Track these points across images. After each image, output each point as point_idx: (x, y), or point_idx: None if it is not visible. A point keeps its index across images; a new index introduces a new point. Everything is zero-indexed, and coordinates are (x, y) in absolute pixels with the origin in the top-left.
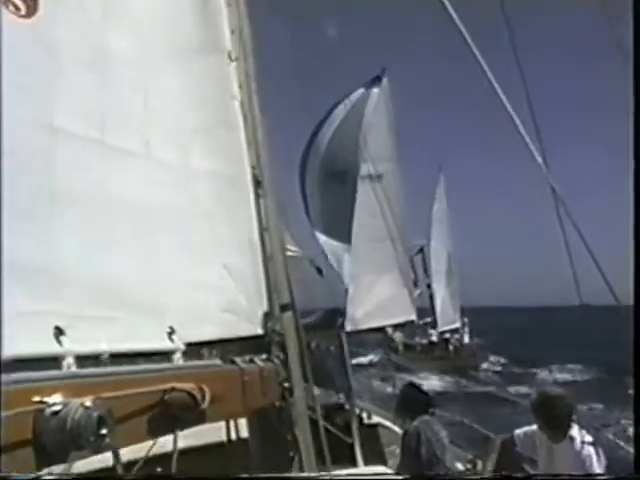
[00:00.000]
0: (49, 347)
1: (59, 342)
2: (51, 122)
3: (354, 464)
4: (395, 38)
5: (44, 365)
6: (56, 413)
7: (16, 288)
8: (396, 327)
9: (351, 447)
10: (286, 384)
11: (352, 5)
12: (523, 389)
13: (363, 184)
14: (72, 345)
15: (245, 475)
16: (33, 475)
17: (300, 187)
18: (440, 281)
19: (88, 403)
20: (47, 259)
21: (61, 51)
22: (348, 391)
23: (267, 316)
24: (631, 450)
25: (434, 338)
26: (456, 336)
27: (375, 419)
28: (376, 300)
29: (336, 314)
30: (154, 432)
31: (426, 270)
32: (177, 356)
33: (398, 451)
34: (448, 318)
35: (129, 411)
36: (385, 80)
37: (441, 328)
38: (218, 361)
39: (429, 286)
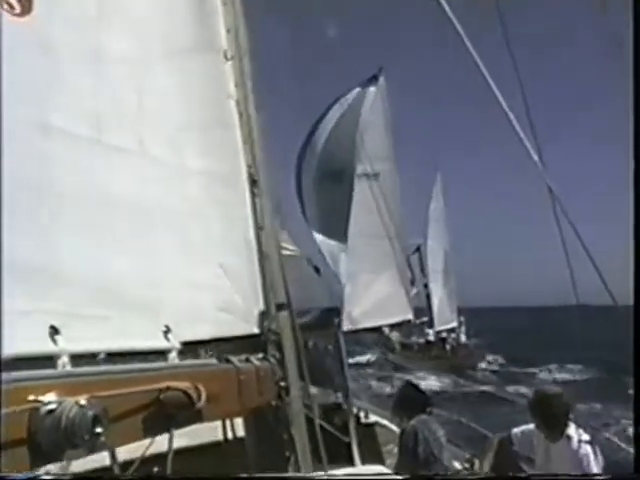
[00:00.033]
0: (44, 346)
1: (54, 341)
2: (46, 121)
3: (352, 463)
4: (392, 37)
5: (39, 364)
6: (51, 412)
7: (13, 288)
8: (393, 326)
9: (349, 446)
10: (282, 383)
11: (348, 4)
12: (522, 389)
13: (360, 183)
14: (67, 344)
15: (243, 475)
16: (31, 475)
17: (296, 186)
18: (437, 280)
19: (83, 402)
20: (42, 258)
21: (56, 50)
22: (345, 390)
23: (263, 315)
24: (631, 450)
25: (431, 337)
26: (453, 335)
27: (372, 418)
28: (373, 299)
29: (333, 313)
30: (149, 431)
31: (423, 269)
32: (173, 355)
33: (395, 450)
34: (445, 318)
35: (124, 410)
36: (382, 79)
37: (438, 327)
38: (214, 360)
39: (426, 285)
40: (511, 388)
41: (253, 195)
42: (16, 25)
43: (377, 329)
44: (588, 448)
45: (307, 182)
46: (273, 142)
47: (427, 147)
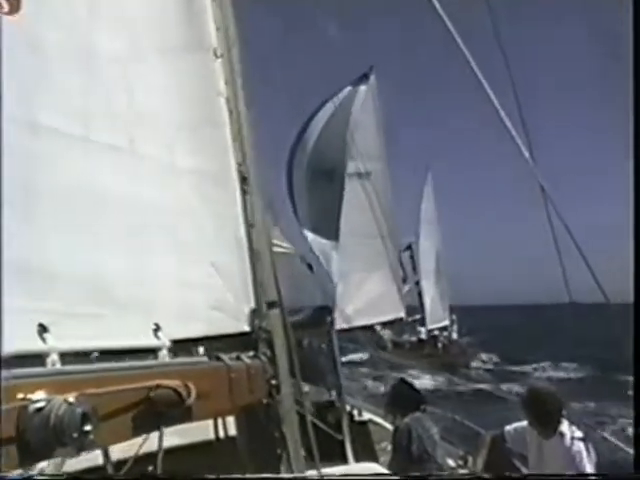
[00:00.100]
0: (34, 344)
1: (43, 339)
2: (36, 120)
3: (345, 461)
4: (383, 36)
5: (28, 362)
6: (40, 410)
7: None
8: (385, 325)
9: (342, 444)
10: (273, 381)
11: (341, 3)
12: (516, 387)
13: (351, 182)
14: (56, 342)
15: (237, 475)
16: (26, 475)
17: (287, 185)
18: (429, 279)
19: (71, 399)
20: (33, 257)
21: (45, 48)
22: (339, 388)
23: (254, 313)
24: (629, 450)
25: (423, 336)
26: (445, 334)
27: (366, 416)
28: (366, 298)
29: (325, 311)
30: (139, 429)
31: (414, 267)
32: (163, 353)
33: (389, 448)
34: (437, 316)
35: (114, 408)
36: (373, 77)
37: (430, 326)
38: (204, 358)
39: (417, 283)
40: (505, 386)
41: (244, 193)
42: (4, 24)
43: (370, 327)
44: (581, 445)
45: (298, 181)
46: (264, 139)
47: (419, 145)
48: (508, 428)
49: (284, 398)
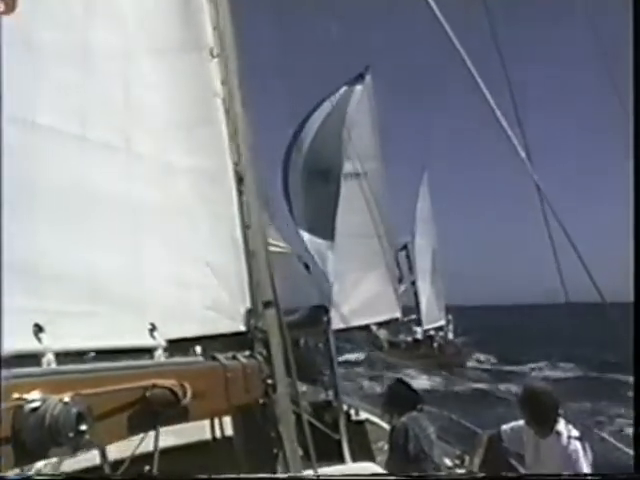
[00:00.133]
0: (29, 344)
1: (38, 339)
2: (32, 118)
3: (342, 461)
4: (380, 36)
5: (23, 362)
6: (35, 410)
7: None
8: (381, 325)
9: (339, 444)
10: (269, 381)
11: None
12: (513, 387)
13: (347, 181)
14: (52, 342)
15: (233, 475)
16: (25, 475)
17: (283, 185)
18: (425, 279)
19: (67, 399)
20: (28, 255)
21: (41, 47)
22: (335, 388)
23: (250, 313)
24: (628, 450)
25: (419, 336)
26: (441, 334)
27: (363, 415)
28: (362, 297)
29: (322, 311)
30: (135, 429)
31: (411, 267)
32: (159, 353)
33: (386, 447)
34: (433, 316)
35: (110, 408)
36: (368, 77)
37: (426, 326)
38: (200, 358)
39: (413, 283)
40: (502, 386)
41: (240, 193)
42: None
43: (366, 327)
44: (577, 444)
45: (294, 181)
46: (260, 139)
47: (415, 145)
48: (505, 427)
49: (280, 398)
